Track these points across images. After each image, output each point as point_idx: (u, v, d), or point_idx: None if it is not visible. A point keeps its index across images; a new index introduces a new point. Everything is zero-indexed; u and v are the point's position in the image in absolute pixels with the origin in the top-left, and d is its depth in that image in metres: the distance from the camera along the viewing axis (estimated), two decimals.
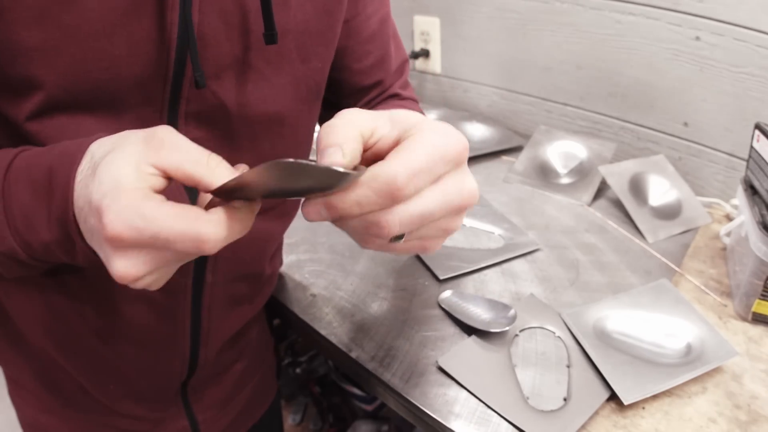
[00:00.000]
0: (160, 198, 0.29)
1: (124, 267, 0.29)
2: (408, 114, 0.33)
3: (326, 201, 0.30)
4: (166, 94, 0.40)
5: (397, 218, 0.30)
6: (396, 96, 0.61)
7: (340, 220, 0.31)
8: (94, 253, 0.32)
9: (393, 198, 0.29)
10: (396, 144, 0.31)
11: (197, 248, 0.29)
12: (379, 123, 0.32)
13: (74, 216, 0.31)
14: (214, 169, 0.30)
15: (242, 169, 0.33)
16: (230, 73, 0.43)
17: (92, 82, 0.37)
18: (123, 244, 0.28)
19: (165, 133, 0.30)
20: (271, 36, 0.42)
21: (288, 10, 0.44)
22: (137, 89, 0.39)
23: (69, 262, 0.36)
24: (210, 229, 0.29)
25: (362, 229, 0.32)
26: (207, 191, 0.30)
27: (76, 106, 0.38)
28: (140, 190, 0.28)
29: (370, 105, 0.60)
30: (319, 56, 0.49)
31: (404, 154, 0.30)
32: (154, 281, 0.31)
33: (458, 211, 0.33)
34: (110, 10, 0.35)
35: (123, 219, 0.27)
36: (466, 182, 0.32)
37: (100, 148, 0.31)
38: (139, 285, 0.31)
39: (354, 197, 0.29)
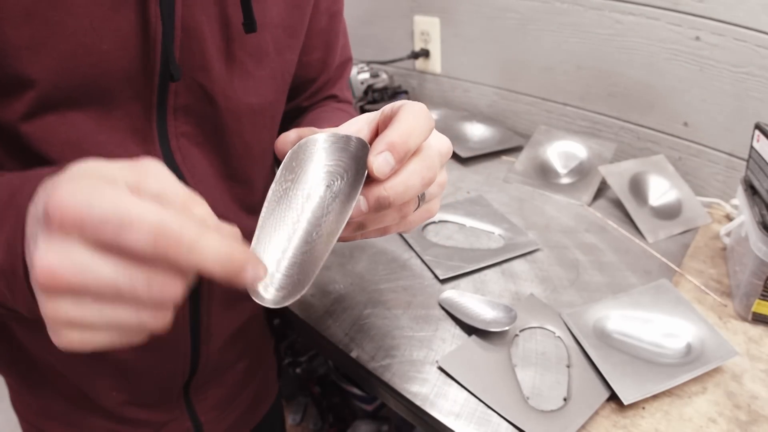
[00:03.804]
0: None
1: (57, 266, 0.23)
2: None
3: (378, 193, 0.32)
4: (154, 88, 0.41)
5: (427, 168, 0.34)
6: (334, 97, 0.62)
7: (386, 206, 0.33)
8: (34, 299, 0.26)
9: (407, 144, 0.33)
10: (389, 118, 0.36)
11: (161, 245, 0.23)
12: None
13: (23, 241, 0.27)
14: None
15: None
16: (216, 65, 0.43)
17: (82, 78, 0.37)
18: (62, 227, 0.23)
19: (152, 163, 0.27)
20: (250, 25, 0.42)
21: (264, 4, 0.45)
22: (126, 84, 0.39)
23: (9, 306, 0.32)
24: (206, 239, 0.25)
25: (395, 212, 0.35)
26: None
27: (68, 103, 0.38)
28: (110, 179, 0.25)
29: (310, 99, 0.61)
30: (291, 49, 0.51)
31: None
32: (89, 335, 0.25)
33: (446, 155, 0.38)
34: (96, 5, 0.35)
35: (72, 192, 0.23)
36: (440, 135, 0.38)
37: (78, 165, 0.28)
38: (69, 320, 0.24)
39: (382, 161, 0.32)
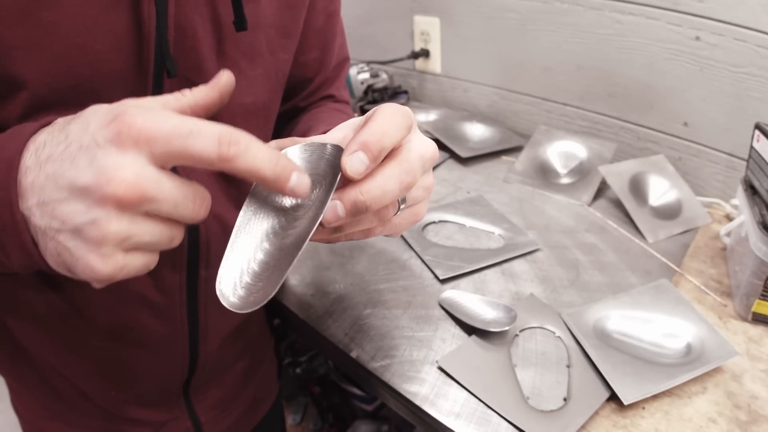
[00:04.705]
0: None
1: (139, 178, 0.25)
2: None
3: (357, 193, 0.32)
4: (148, 88, 0.41)
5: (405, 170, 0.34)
6: (331, 97, 0.62)
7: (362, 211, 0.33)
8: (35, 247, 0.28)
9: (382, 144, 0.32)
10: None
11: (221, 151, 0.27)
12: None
13: (16, 194, 0.28)
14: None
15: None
16: (209, 64, 0.43)
17: (76, 79, 0.37)
18: (137, 143, 0.25)
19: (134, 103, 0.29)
20: (240, 23, 0.43)
21: (257, 4, 0.45)
22: (121, 84, 0.39)
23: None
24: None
25: (374, 216, 0.35)
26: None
27: (62, 104, 0.38)
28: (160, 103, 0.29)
29: (308, 99, 0.61)
30: (285, 48, 0.51)
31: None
32: (132, 257, 0.28)
33: (431, 160, 0.36)
34: (90, 6, 0.35)
35: (140, 113, 0.26)
36: (425, 138, 0.37)
37: (67, 118, 0.29)
38: (120, 238, 0.26)
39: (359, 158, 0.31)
